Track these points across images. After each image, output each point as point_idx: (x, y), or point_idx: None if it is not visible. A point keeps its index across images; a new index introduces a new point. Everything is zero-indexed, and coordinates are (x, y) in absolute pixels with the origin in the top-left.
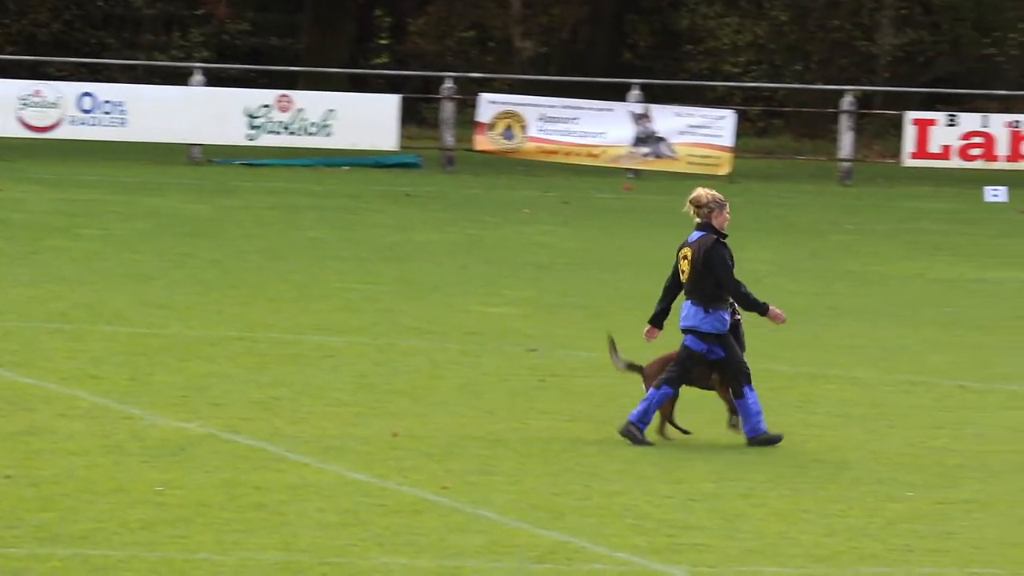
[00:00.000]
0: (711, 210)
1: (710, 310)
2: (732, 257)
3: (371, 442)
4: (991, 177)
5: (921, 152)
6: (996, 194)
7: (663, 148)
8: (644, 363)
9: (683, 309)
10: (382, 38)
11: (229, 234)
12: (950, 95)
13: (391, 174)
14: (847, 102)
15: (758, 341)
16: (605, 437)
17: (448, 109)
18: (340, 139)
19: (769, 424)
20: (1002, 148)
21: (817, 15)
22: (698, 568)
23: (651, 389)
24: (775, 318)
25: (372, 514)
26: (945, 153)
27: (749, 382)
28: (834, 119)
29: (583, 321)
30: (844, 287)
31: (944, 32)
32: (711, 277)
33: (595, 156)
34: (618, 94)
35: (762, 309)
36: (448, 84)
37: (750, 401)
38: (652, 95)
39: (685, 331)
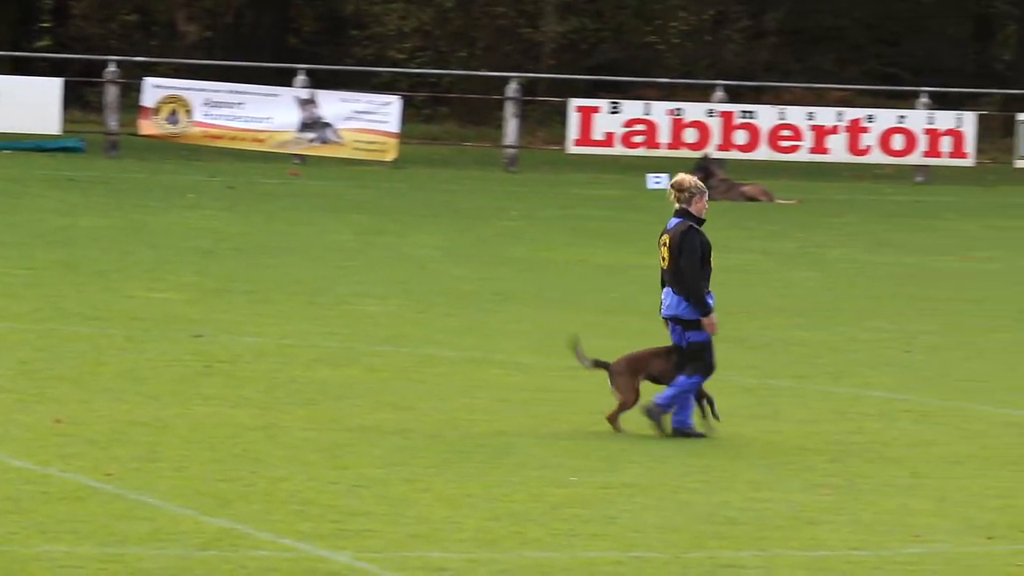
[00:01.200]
0: (692, 195)
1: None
2: (708, 245)
3: (33, 429)
4: (653, 164)
5: (585, 139)
6: (658, 181)
7: (329, 134)
8: (611, 360)
9: (665, 297)
10: (45, 21)
11: None
12: (613, 83)
13: (54, 158)
14: (512, 89)
15: (422, 327)
16: (270, 423)
17: (112, 93)
18: (1, 122)
19: (434, 410)
20: (664, 135)
21: (482, 2)
22: (363, 554)
23: (681, 377)
24: (708, 327)
25: (34, 501)
26: (608, 140)
27: (707, 375)
28: (499, 106)
29: (248, 306)
30: (509, 273)
31: (607, 20)
32: None
33: (261, 141)
34: (284, 79)
35: (704, 311)
36: (111, 68)
37: (689, 389)
38: (318, 81)
39: (668, 319)
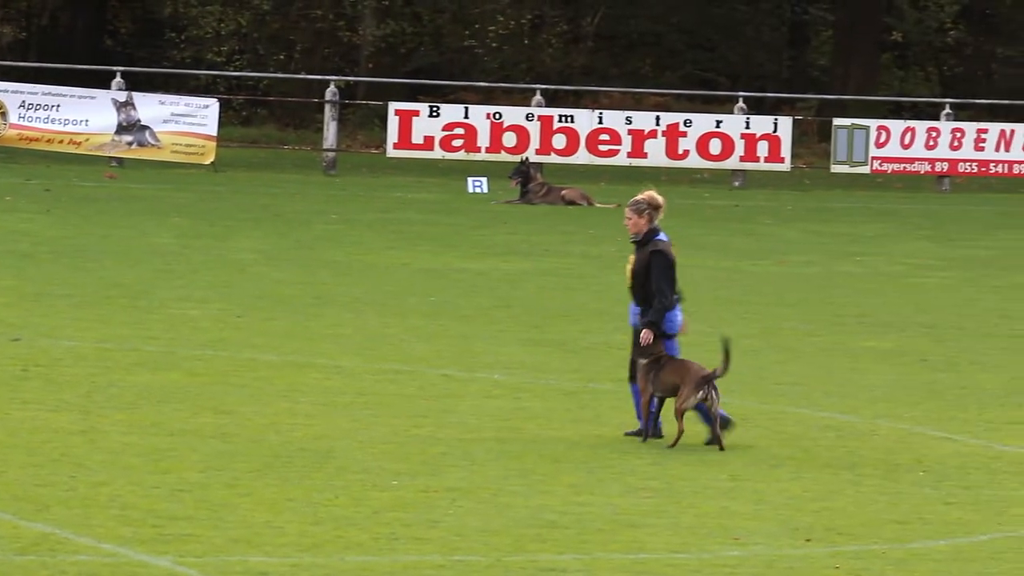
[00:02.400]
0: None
1: None
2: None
3: None
4: (473, 168)
5: (404, 143)
6: (478, 185)
7: (147, 136)
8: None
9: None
10: None
11: None
12: (432, 86)
13: None
14: (331, 92)
15: (243, 331)
16: (90, 427)
17: None
18: None
19: (255, 415)
20: (483, 139)
21: (300, 5)
22: (184, 558)
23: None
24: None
25: None
26: (428, 144)
27: None
28: (319, 109)
29: (67, 310)
30: (329, 276)
31: (425, 24)
32: None
33: (78, 144)
34: (101, 82)
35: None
36: None
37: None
38: (135, 83)
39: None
